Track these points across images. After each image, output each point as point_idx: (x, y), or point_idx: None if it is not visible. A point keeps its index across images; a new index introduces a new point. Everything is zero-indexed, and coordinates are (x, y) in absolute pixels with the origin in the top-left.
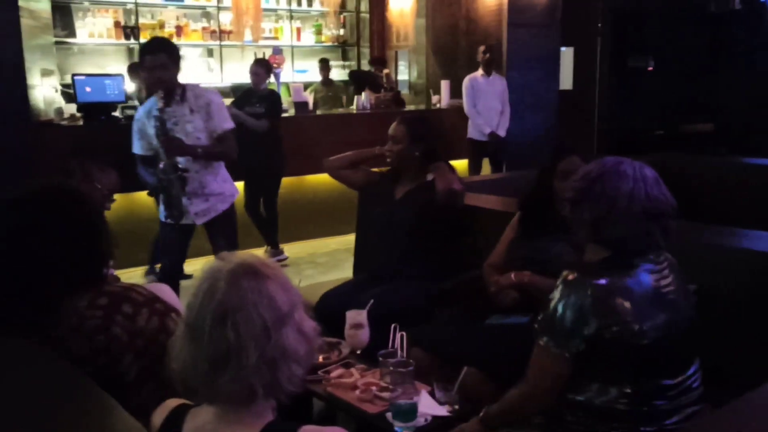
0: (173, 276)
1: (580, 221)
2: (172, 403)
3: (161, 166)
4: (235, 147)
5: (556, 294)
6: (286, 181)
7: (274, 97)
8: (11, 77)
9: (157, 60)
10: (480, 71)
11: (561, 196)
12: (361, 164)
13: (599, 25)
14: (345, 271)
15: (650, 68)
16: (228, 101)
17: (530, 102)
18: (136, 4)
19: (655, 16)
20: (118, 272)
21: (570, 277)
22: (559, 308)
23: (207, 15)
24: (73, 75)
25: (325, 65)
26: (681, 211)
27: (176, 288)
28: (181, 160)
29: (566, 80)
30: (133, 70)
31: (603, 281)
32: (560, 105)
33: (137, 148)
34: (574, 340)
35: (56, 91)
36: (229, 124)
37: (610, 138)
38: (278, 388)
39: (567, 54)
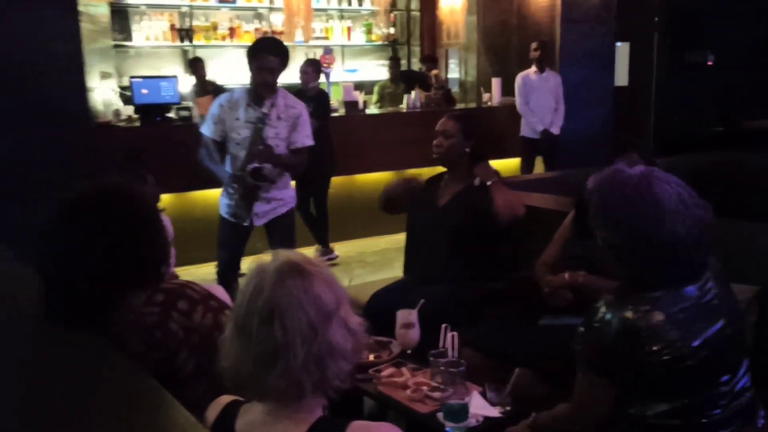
0: (230, 272)
1: (603, 245)
2: (225, 399)
3: (249, 168)
4: (305, 163)
5: (596, 319)
6: (337, 180)
7: (322, 97)
8: (72, 80)
9: (268, 62)
10: (533, 68)
11: None
12: (396, 200)
13: (656, 19)
14: (395, 271)
15: (710, 63)
16: None
17: (584, 99)
18: (191, 7)
19: (714, 8)
20: (175, 270)
21: (609, 299)
22: (600, 334)
23: (259, 16)
24: (131, 77)
25: (395, 63)
26: (740, 211)
27: (233, 285)
28: (267, 166)
29: (622, 76)
30: (192, 65)
31: (645, 304)
32: (615, 102)
33: (208, 130)
34: (618, 367)
35: (114, 93)
36: (310, 141)
37: (667, 135)
38: (326, 385)
39: (622, 49)
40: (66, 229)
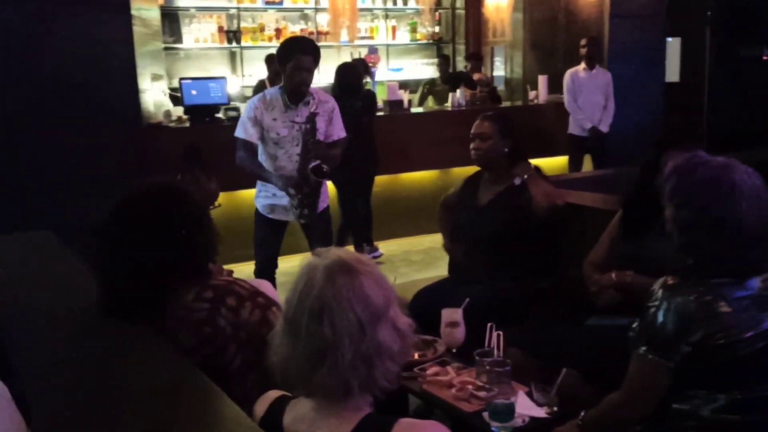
0: (269, 269)
1: (674, 226)
2: (274, 394)
3: (310, 166)
4: (341, 154)
5: (656, 300)
6: (381, 179)
7: (370, 96)
8: (126, 83)
9: (304, 62)
10: (582, 65)
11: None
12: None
13: (708, 13)
14: (440, 269)
15: (765, 57)
16: None
17: (634, 96)
18: (238, 9)
19: None
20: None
21: (671, 282)
22: (660, 316)
23: (305, 17)
24: (180, 79)
25: (444, 61)
26: None
27: (273, 282)
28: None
29: (673, 72)
30: (270, 60)
31: (705, 289)
32: (666, 98)
33: (245, 133)
34: (676, 350)
35: (164, 94)
36: (344, 133)
37: (721, 132)
38: (373, 384)
39: (673, 45)
40: (121, 226)
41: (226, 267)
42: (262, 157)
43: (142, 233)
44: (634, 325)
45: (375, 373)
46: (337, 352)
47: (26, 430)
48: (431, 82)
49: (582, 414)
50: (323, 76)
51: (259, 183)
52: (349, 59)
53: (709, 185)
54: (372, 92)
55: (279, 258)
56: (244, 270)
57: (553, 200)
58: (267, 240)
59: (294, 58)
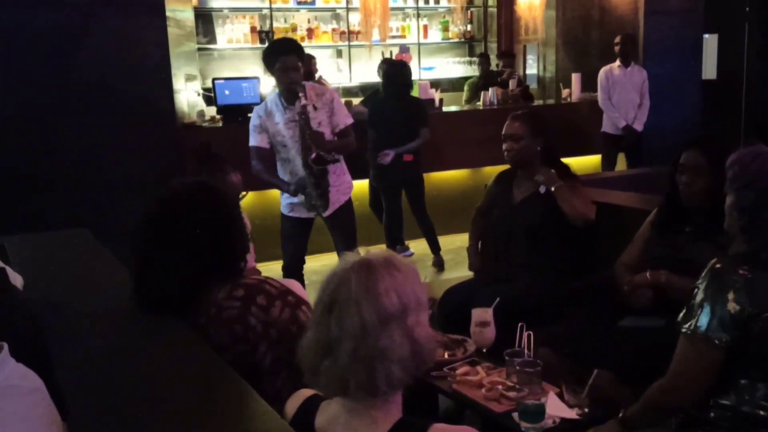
0: (296, 268)
1: (735, 209)
2: (305, 393)
3: (310, 157)
4: (354, 140)
5: (702, 283)
6: None
7: (417, 102)
8: (160, 83)
9: (291, 61)
10: (617, 62)
11: (684, 191)
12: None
13: (746, 9)
14: None
15: None
16: (357, 101)
17: (670, 94)
18: (271, 9)
19: None
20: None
21: (718, 265)
22: (706, 296)
23: (337, 17)
24: (214, 79)
25: (485, 60)
26: None
27: (300, 280)
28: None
29: (710, 70)
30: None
31: (752, 269)
32: (704, 96)
33: (255, 140)
34: (722, 329)
35: (198, 94)
36: (350, 119)
37: (760, 131)
38: (372, 387)
39: (710, 41)
40: (157, 225)
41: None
42: (277, 165)
43: (176, 232)
44: (683, 312)
45: (376, 376)
46: (338, 349)
47: (62, 424)
48: (477, 80)
49: (623, 410)
50: (355, 75)
51: (284, 195)
52: (380, 58)
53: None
54: (419, 100)
55: (308, 257)
56: (275, 268)
57: (585, 216)
58: (292, 238)
59: (278, 60)
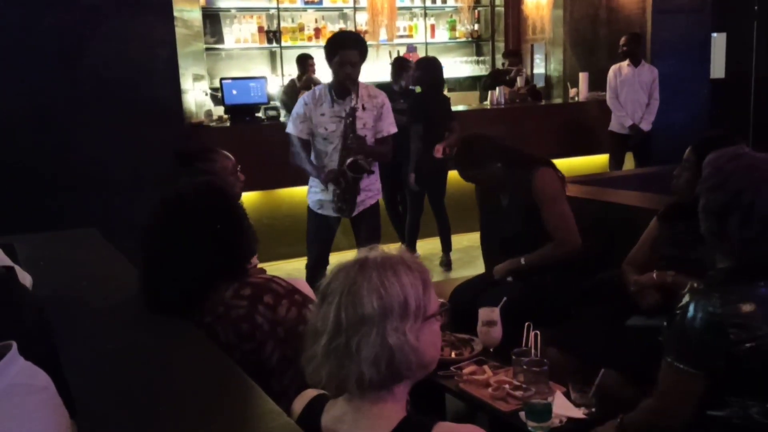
0: (320, 265)
1: (703, 212)
2: (312, 392)
3: (347, 162)
4: (391, 150)
5: (682, 307)
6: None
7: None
8: (168, 83)
9: (350, 56)
10: (626, 61)
11: (672, 183)
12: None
13: (755, 7)
14: (478, 268)
15: None
16: None
17: (678, 93)
18: (278, 9)
19: None
20: (261, 265)
21: (696, 286)
22: (686, 323)
23: (344, 16)
24: (221, 79)
25: (517, 60)
26: None
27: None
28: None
29: (718, 69)
30: (302, 61)
31: (733, 291)
32: (712, 95)
33: (295, 129)
34: (705, 358)
35: (206, 94)
36: (394, 129)
37: None
38: (343, 382)
39: (719, 40)
40: (165, 223)
41: (260, 265)
42: (313, 154)
43: (184, 231)
44: (666, 331)
45: (344, 373)
46: (317, 340)
47: (70, 423)
48: (486, 78)
49: (621, 416)
50: (362, 74)
51: (310, 179)
52: (388, 58)
53: (741, 172)
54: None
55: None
56: (284, 267)
57: (568, 251)
58: (318, 235)
59: (338, 54)
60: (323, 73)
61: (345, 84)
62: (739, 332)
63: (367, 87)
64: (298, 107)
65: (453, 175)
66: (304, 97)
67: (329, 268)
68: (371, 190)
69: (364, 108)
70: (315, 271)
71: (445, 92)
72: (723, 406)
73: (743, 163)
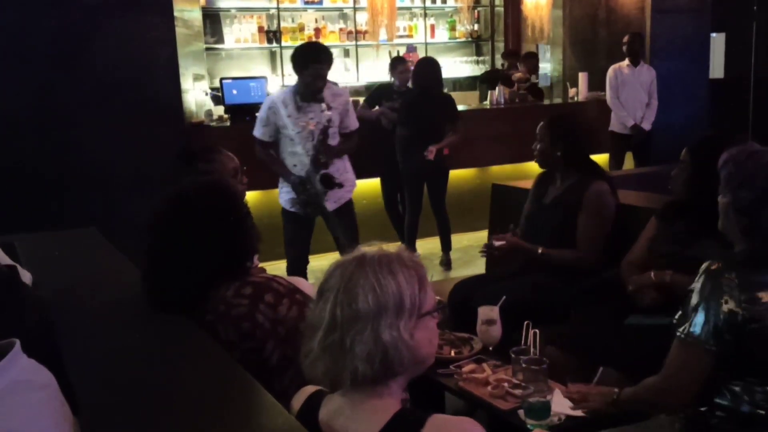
0: (300, 266)
1: (731, 210)
2: (310, 389)
3: (319, 174)
4: (356, 143)
5: (697, 285)
6: None
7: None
8: (168, 82)
9: (323, 71)
10: (626, 61)
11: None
12: None
13: (754, 7)
14: (478, 268)
15: None
16: (361, 99)
17: (677, 93)
18: (278, 9)
19: None
20: (261, 265)
21: (713, 267)
22: (701, 299)
23: (344, 16)
24: (221, 79)
25: (534, 60)
26: None
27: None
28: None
29: (717, 68)
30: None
31: (748, 271)
32: (711, 95)
33: (259, 132)
34: (717, 333)
35: (206, 94)
36: (357, 124)
37: (767, 130)
38: (338, 377)
39: (718, 40)
40: (167, 223)
41: (260, 265)
42: (282, 156)
43: (185, 231)
44: (678, 313)
45: (339, 368)
46: (314, 335)
47: (73, 420)
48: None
49: (617, 390)
50: (362, 74)
51: (280, 180)
52: (387, 58)
53: (764, 167)
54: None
55: (314, 256)
56: (284, 267)
57: (587, 261)
58: (295, 235)
59: (311, 67)
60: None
61: (315, 95)
62: (751, 311)
63: (330, 87)
64: (262, 111)
65: (454, 174)
66: (267, 100)
67: (322, 265)
68: (345, 182)
69: (330, 107)
70: (295, 272)
71: (447, 92)
72: (729, 394)
73: (763, 159)
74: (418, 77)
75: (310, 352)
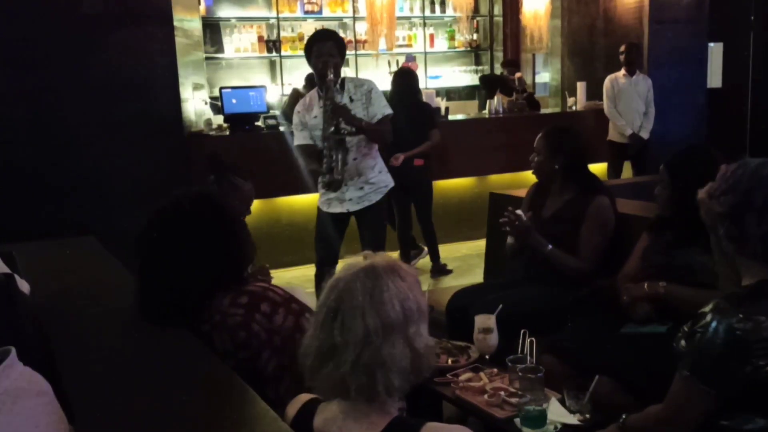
0: (326, 266)
1: (740, 236)
2: (304, 397)
3: (328, 132)
4: (391, 132)
5: (705, 326)
6: None
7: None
8: (168, 92)
9: (325, 47)
10: (622, 71)
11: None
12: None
13: (751, 17)
14: (476, 277)
15: None
16: None
17: (675, 102)
18: (278, 19)
19: None
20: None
21: (723, 306)
22: (707, 340)
23: (344, 26)
24: (221, 88)
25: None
26: None
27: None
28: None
29: (715, 78)
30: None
31: (758, 310)
32: (709, 105)
33: (299, 139)
34: (722, 378)
35: (205, 103)
36: (389, 110)
37: (764, 140)
38: (372, 393)
39: (716, 50)
40: (163, 233)
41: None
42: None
43: (184, 240)
44: (680, 335)
45: (375, 383)
46: (342, 355)
47: (68, 427)
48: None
49: (623, 417)
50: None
51: (320, 183)
52: (387, 67)
53: (748, 175)
54: (426, 104)
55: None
56: (283, 276)
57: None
58: (326, 233)
59: (314, 46)
60: None
61: (323, 74)
62: (762, 355)
63: (353, 79)
64: (294, 119)
65: (453, 183)
66: (297, 106)
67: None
68: (375, 183)
69: (352, 99)
70: (322, 270)
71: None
72: (730, 417)
73: (747, 168)
74: (393, 87)
75: (332, 373)
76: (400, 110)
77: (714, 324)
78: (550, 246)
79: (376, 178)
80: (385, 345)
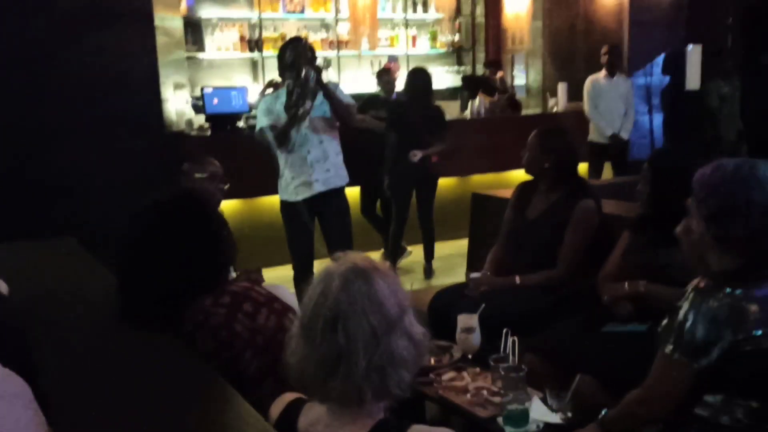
0: (307, 264)
1: (722, 239)
2: (289, 397)
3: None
4: (356, 116)
5: (686, 303)
6: None
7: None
8: (148, 91)
9: (301, 47)
10: (603, 72)
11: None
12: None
13: (729, 20)
14: (458, 276)
15: None
16: None
17: (654, 103)
18: (260, 18)
19: None
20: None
21: (702, 284)
22: (690, 318)
23: (326, 26)
24: (202, 88)
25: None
26: None
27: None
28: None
29: (693, 80)
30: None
31: (739, 290)
32: (687, 106)
33: (263, 122)
34: (705, 354)
35: (187, 103)
36: (350, 100)
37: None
38: (386, 393)
39: (694, 52)
40: (144, 233)
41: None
42: (279, 156)
43: (165, 240)
44: (664, 322)
45: (388, 381)
46: (351, 361)
47: (48, 429)
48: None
49: (602, 413)
50: (344, 84)
51: (280, 178)
52: (369, 68)
53: (731, 176)
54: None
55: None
56: (265, 275)
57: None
58: (298, 229)
59: (288, 49)
60: None
61: (298, 64)
62: (742, 332)
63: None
64: (261, 105)
65: (441, 184)
66: (265, 98)
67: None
68: (338, 169)
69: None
70: (302, 273)
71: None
72: (709, 406)
73: (726, 171)
74: (407, 86)
75: (344, 381)
76: (415, 110)
77: (695, 301)
78: (517, 278)
79: (339, 163)
80: (391, 341)
